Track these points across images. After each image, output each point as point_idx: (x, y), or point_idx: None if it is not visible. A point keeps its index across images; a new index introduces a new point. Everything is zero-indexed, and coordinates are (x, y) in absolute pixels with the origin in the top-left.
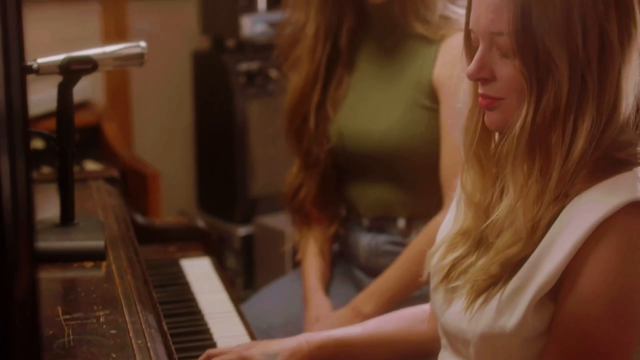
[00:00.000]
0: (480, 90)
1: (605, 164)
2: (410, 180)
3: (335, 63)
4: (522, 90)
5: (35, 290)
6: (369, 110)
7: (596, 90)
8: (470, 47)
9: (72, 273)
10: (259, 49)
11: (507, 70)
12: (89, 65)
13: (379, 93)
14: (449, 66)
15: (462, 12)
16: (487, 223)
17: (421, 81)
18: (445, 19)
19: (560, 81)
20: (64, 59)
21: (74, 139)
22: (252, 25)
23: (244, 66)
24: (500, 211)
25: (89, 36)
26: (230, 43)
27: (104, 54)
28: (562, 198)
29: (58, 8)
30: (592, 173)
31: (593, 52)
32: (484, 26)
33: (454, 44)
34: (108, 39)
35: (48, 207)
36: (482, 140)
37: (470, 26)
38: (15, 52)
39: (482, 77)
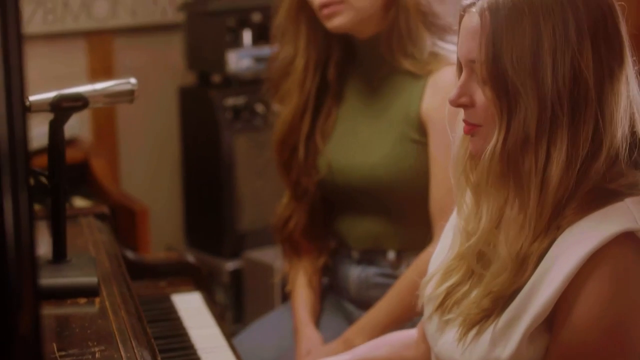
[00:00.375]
0: (462, 117)
1: (595, 195)
2: (399, 212)
3: (324, 95)
4: (495, 118)
5: (39, 327)
6: (357, 143)
7: (568, 121)
8: (460, 73)
9: (66, 309)
10: (245, 83)
11: (482, 97)
12: (79, 103)
13: (368, 126)
14: (437, 100)
15: (451, 47)
16: (465, 246)
17: (409, 115)
18: (434, 55)
19: (528, 110)
20: (55, 97)
21: (66, 175)
22: (238, 61)
23: (231, 101)
24: (477, 236)
25: (76, 73)
26: (217, 78)
27: (95, 91)
28: (554, 230)
29: (44, 45)
30: (582, 205)
31: (563, 85)
32: (464, 54)
33: (441, 78)
34: (94, 76)
35: (42, 244)
36: (471, 166)
37: (458, 53)
38: (18, 91)
39: (461, 103)
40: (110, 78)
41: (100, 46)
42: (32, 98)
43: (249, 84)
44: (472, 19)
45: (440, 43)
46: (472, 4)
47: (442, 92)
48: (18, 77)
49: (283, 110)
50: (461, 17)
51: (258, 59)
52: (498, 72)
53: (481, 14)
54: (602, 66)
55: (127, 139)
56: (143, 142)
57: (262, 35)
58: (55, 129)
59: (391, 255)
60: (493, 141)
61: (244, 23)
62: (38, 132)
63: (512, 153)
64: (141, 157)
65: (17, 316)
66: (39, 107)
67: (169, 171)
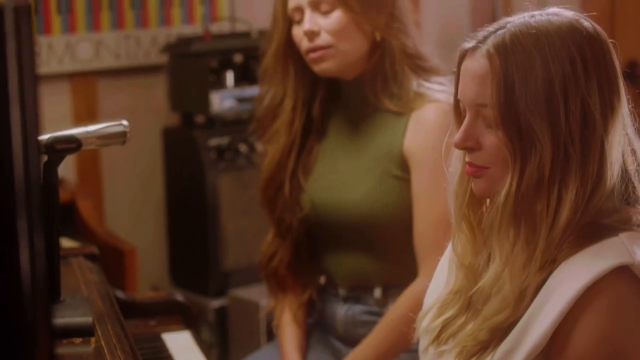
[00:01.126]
0: (467, 159)
1: (591, 229)
2: (384, 248)
3: (308, 132)
4: (506, 161)
5: None
6: (340, 180)
7: (579, 161)
8: (459, 116)
9: (62, 349)
10: (228, 124)
11: (491, 140)
12: (73, 145)
13: (350, 163)
14: (419, 136)
15: (435, 87)
16: (474, 289)
17: (392, 151)
18: (418, 94)
19: (542, 153)
20: (49, 139)
21: (60, 216)
22: (221, 101)
23: (214, 141)
24: (487, 278)
25: (60, 114)
26: (200, 119)
27: (87, 133)
28: (550, 264)
29: None
30: (578, 239)
31: (575, 125)
32: (470, 98)
33: (424, 114)
34: (79, 117)
35: None
36: (471, 204)
37: (458, 96)
38: (33, 131)
39: (467, 146)
40: (94, 119)
41: (84, 88)
42: None
43: (232, 124)
44: (478, 63)
45: (425, 84)
46: (476, 47)
47: (424, 128)
48: (34, 122)
49: (270, 149)
50: (461, 59)
51: (240, 100)
52: (512, 116)
53: (489, 57)
54: (605, 104)
55: (111, 179)
56: (127, 182)
57: (244, 76)
58: (49, 170)
59: (377, 292)
60: (507, 185)
61: (226, 64)
62: None
63: (526, 196)
64: (125, 197)
65: (33, 355)
66: None
67: (154, 211)
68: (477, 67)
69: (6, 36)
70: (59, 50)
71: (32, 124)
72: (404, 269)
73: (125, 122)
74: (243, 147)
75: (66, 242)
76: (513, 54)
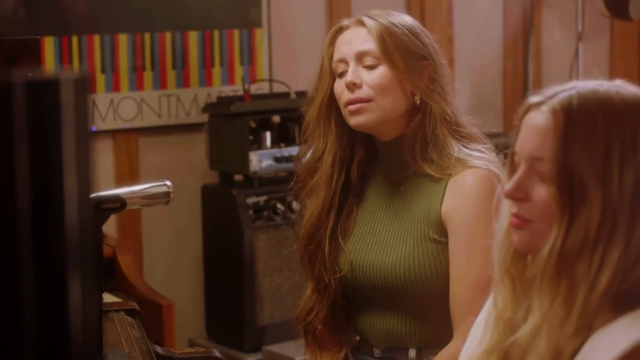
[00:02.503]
0: (513, 210)
1: (628, 298)
2: (420, 310)
3: (347, 193)
4: (553, 217)
5: None
6: (378, 242)
7: (626, 229)
8: (512, 169)
9: None
10: (266, 183)
11: (542, 194)
12: (117, 204)
13: (388, 226)
14: (457, 200)
15: (475, 154)
16: (511, 339)
17: (429, 215)
18: (457, 160)
19: (591, 214)
20: (94, 198)
21: (103, 274)
22: (259, 161)
23: (252, 199)
24: (525, 330)
25: (102, 170)
26: (238, 177)
27: (132, 192)
28: (586, 330)
29: None
30: (615, 307)
31: (627, 193)
32: (528, 150)
33: (462, 179)
34: (120, 174)
35: None
36: (515, 258)
37: (516, 148)
38: (87, 191)
39: (517, 197)
40: (135, 176)
41: (126, 145)
42: None
43: (270, 184)
44: (542, 117)
45: (465, 150)
46: (542, 102)
47: (462, 192)
48: (88, 180)
49: (310, 204)
50: (526, 112)
51: (278, 159)
52: (567, 172)
53: (554, 113)
54: None
55: (151, 234)
56: (166, 238)
57: (281, 137)
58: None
59: (412, 353)
60: (552, 240)
61: (265, 124)
62: None
63: (569, 255)
64: (164, 253)
65: None
66: None
67: (191, 266)
68: (540, 121)
69: (62, 109)
70: (103, 108)
71: (86, 189)
72: (439, 330)
73: (168, 183)
74: (280, 206)
75: (106, 297)
76: (578, 113)
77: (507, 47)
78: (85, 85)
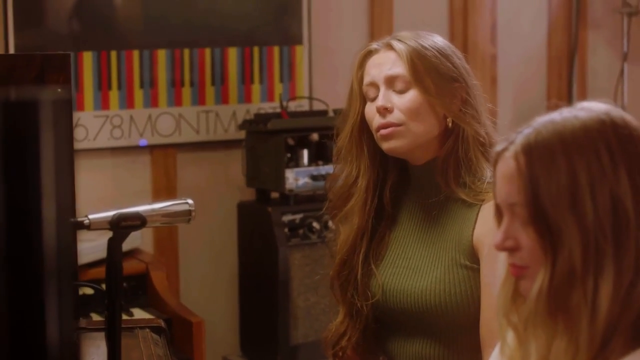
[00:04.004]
0: (508, 260)
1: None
2: (450, 337)
3: (380, 217)
4: (541, 258)
5: None
6: (409, 267)
7: (613, 251)
8: (500, 218)
9: None
10: (302, 200)
11: (527, 239)
12: (138, 222)
13: (420, 251)
14: (489, 226)
15: None
16: None
17: (461, 241)
18: (490, 185)
19: (572, 247)
20: (114, 216)
21: (122, 292)
22: (296, 179)
23: (288, 217)
24: None
25: (140, 185)
26: (275, 195)
27: (153, 210)
28: None
29: (111, 158)
30: (628, 339)
31: (605, 216)
32: (502, 198)
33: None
34: (157, 189)
35: (96, 356)
36: (514, 308)
37: (496, 199)
38: (67, 208)
39: (507, 246)
40: (172, 191)
41: (164, 160)
42: (92, 216)
43: (306, 202)
44: (507, 164)
45: None
46: (505, 149)
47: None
48: (67, 201)
49: (344, 230)
50: (495, 162)
51: (315, 177)
52: (538, 213)
53: (516, 157)
54: (637, 191)
55: (187, 250)
56: (202, 254)
57: (319, 155)
58: (114, 246)
59: None
60: (538, 281)
61: (303, 142)
62: (101, 243)
63: (559, 290)
64: (200, 269)
65: None
66: (99, 226)
67: (227, 282)
68: (505, 168)
69: (40, 129)
70: (141, 124)
71: (64, 210)
72: (469, 357)
73: (190, 201)
74: (316, 224)
75: (138, 313)
76: (537, 151)
77: (551, 67)
78: (65, 106)
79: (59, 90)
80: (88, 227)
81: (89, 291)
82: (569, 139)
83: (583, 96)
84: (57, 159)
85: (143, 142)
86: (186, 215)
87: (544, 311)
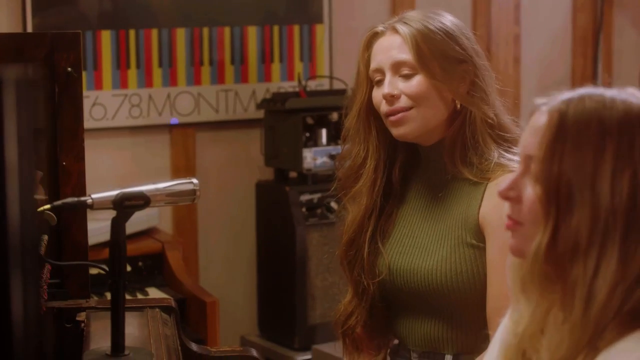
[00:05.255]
0: (506, 211)
1: (633, 316)
2: (457, 316)
3: (388, 196)
4: (540, 219)
5: None
6: (415, 245)
7: (622, 236)
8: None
9: None
10: (320, 180)
11: (530, 194)
12: (141, 202)
13: (426, 229)
14: (494, 203)
15: (515, 158)
16: (509, 342)
17: (467, 220)
18: (498, 165)
19: (580, 219)
20: (117, 195)
21: (126, 271)
22: (314, 158)
23: (305, 197)
24: (521, 334)
25: (159, 164)
26: (293, 174)
27: (157, 190)
28: (592, 350)
29: (129, 137)
30: (620, 326)
31: (620, 199)
32: (523, 148)
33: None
34: (176, 168)
35: (106, 335)
36: (520, 267)
37: (519, 148)
38: (29, 192)
39: (510, 196)
40: (192, 170)
41: (183, 140)
42: (95, 196)
43: (324, 181)
44: (541, 117)
45: (507, 154)
46: (544, 103)
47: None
48: (30, 181)
49: (352, 209)
50: (531, 113)
51: (333, 157)
52: (553, 173)
53: (550, 113)
54: None
55: (206, 230)
56: (221, 234)
57: (338, 134)
58: (117, 226)
59: (449, 358)
60: (536, 241)
61: (321, 121)
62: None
63: (560, 257)
64: (219, 249)
65: None
66: (102, 205)
67: (246, 262)
68: (538, 120)
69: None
70: (159, 103)
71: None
72: (476, 336)
73: (195, 180)
74: (334, 204)
75: (153, 292)
76: (573, 116)
77: (576, 47)
78: (28, 86)
79: (69, 69)
80: (91, 207)
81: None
82: (608, 118)
83: (608, 77)
84: (21, 138)
85: (174, 120)
86: (191, 195)
87: (540, 274)
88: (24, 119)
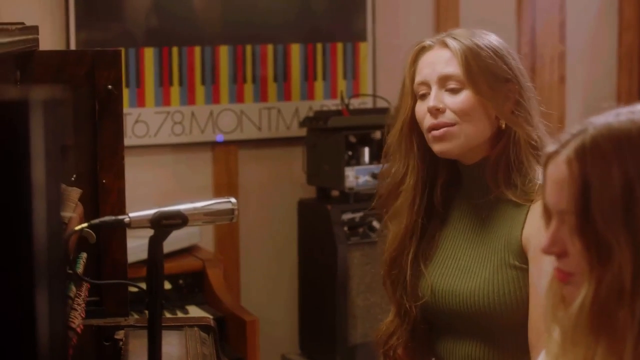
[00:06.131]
0: (555, 264)
1: None
2: (499, 338)
3: (430, 216)
4: (587, 269)
5: None
6: (458, 267)
7: None
8: (548, 219)
9: None
10: (362, 199)
11: (574, 247)
12: (179, 221)
13: (469, 251)
14: (539, 227)
15: None
16: None
17: (510, 241)
18: (541, 187)
19: (622, 263)
20: (155, 214)
21: (163, 290)
22: (356, 177)
23: (347, 216)
24: None
25: (202, 182)
26: (335, 193)
27: (195, 209)
28: None
29: (172, 154)
30: None
31: None
32: (553, 204)
33: None
34: (218, 186)
35: (143, 354)
36: (560, 312)
37: (545, 201)
38: (56, 211)
39: (553, 252)
40: (234, 188)
41: (225, 157)
42: (133, 215)
43: (366, 200)
44: (558, 169)
45: None
46: (557, 152)
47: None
48: (57, 200)
49: (393, 228)
50: (546, 164)
51: (375, 176)
52: (588, 224)
53: (568, 163)
54: None
55: (248, 248)
56: (263, 252)
57: (380, 153)
58: (155, 245)
59: None
60: (582, 293)
61: (364, 140)
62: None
63: (604, 308)
64: (261, 267)
65: None
66: (139, 224)
67: (288, 280)
68: (557, 173)
69: (30, 130)
70: (202, 120)
71: (55, 209)
72: (517, 358)
73: (233, 200)
74: (376, 223)
75: (194, 311)
76: (591, 159)
77: (621, 65)
78: (56, 107)
79: (109, 87)
80: (129, 225)
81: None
82: (625, 147)
83: None
84: (48, 158)
85: (220, 137)
86: (229, 214)
87: (585, 326)
88: (51, 138)
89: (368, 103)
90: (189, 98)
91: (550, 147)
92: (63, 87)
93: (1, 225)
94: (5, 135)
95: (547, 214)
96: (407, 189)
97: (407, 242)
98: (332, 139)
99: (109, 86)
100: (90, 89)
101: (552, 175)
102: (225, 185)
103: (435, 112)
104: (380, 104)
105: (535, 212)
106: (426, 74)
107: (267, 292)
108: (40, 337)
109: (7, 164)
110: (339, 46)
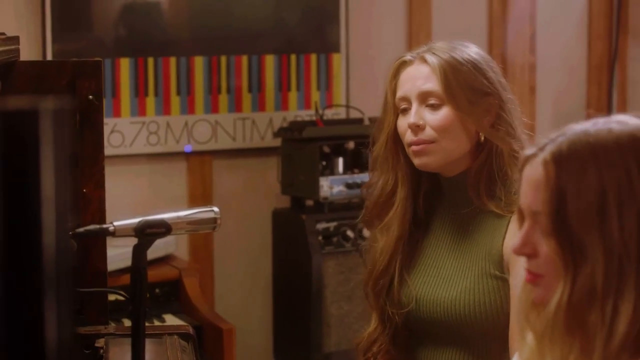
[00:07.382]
0: (525, 265)
1: None
2: (480, 346)
3: (413, 225)
4: (559, 271)
5: None
6: (440, 276)
7: (636, 274)
8: (521, 221)
9: None
10: (337, 209)
11: (546, 249)
12: (162, 229)
13: (450, 261)
14: None
15: None
16: None
17: (491, 252)
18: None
19: (594, 265)
20: (139, 223)
21: (147, 298)
22: (330, 187)
23: (322, 225)
24: None
25: (176, 192)
26: (309, 203)
27: (178, 218)
28: None
29: (147, 164)
30: (635, 348)
31: (631, 236)
32: (527, 204)
33: None
34: (193, 196)
35: None
36: (533, 314)
37: (520, 202)
38: (64, 220)
39: (524, 252)
40: (208, 198)
41: (200, 167)
42: (117, 223)
43: (341, 210)
44: (536, 170)
45: None
46: (534, 155)
47: None
48: (65, 209)
49: (384, 239)
50: (523, 166)
51: (350, 185)
52: (563, 226)
53: (545, 165)
54: None
55: (222, 257)
56: (238, 261)
57: (355, 163)
58: (139, 253)
59: None
60: (558, 295)
61: (338, 150)
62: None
63: (578, 307)
64: (235, 276)
65: None
66: (124, 232)
67: (261, 290)
68: (533, 174)
69: (40, 139)
70: (177, 130)
71: (63, 219)
72: None
73: (216, 209)
74: (350, 233)
75: (170, 319)
76: (568, 163)
77: (591, 76)
78: (64, 116)
79: (90, 97)
80: (113, 234)
81: (121, 297)
82: (600, 154)
83: (623, 106)
84: (57, 167)
85: (188, 147)
86: (212, 223)
87: (561, 326)
88: (60, 148)
89: (341, 113)
90: (164, 108)
91: (529, 150)
92: (45, 98)
93: (11, 234)
94: (14, 145)
95: (521, 215)
96: (398, 200)
97: (397, 253)
98: (307, 149)
99: (90, 96)
100: (71, 99)
101: (528, 177)
102: (200, 194)
103: (416, 128)
104: (354, 114)
105: (516, 222)
106: (407, 89)
107: (242, 301)
108: (49, 344)
109: (17, 174)
110: (313, 57)
